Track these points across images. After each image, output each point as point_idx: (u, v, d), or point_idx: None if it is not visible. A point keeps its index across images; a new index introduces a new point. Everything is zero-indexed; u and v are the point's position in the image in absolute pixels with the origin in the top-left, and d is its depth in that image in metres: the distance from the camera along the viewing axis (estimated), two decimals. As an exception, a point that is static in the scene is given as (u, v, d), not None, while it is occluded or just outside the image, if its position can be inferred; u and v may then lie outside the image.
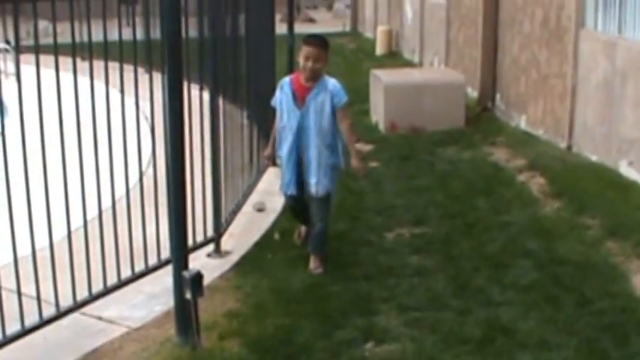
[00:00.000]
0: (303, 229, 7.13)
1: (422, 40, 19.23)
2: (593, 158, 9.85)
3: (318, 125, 6.45)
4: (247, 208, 8.02)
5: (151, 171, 6.20)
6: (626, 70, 9.13)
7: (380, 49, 22.34)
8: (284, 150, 6.61)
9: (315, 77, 6.45)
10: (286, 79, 6.70)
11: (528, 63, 12.07)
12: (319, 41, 6.49)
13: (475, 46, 14.24)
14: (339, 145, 6.61)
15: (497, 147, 11.19)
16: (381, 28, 22.95)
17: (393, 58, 21.04)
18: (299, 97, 6.49)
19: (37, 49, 4.96)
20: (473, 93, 14.08)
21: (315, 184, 6.49)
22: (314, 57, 6.35)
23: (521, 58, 12.40)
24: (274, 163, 7.17)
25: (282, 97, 6.59)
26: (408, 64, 19.59)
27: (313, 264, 6.59)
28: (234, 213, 7.59)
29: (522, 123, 12.23)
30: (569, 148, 10.55)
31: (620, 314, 5.67)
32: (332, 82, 6.53)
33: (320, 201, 6.57)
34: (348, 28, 30.83)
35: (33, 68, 4.94)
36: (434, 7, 18.09)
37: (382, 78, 12.91)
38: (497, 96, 13.50)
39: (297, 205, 6.92)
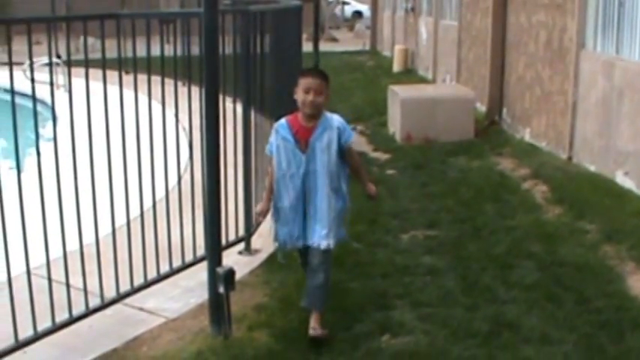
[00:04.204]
0: None
1: (435, 59, 19.17)
2: (592, 168, 9.78)
3: (326, 168, 5.21)
4: (275, 210, 7.98)
5: (188, 175, 6.18)
6: (623, 88, 9.06)
7: (397, 67, 22.31)
8: (286, 200, 5.30)
9: (317, 114, 5.20)
10: (282, 122, 5.36)
11: (533, 81, 12.01)
12: (320, 73, 5.32)
13: (484, 65, 14.18)
14: (345, 186, 5.39)
15: (504, 157, 11.13)
16: (398, 47, 22.93)
17: (409, 74, 21.00)
18: (301, 140, 5.22)
19: (87, 64, 4.97)
20: (481, 107, 14.03)
21: (326, 236, 5.21)
22: (315, 89, 5.12)
23: (526, 76, 12.34)
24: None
25: (278, 142, 5.28)
26: (423, 80, 19.56)
27: (315, 322, 5.22)
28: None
29: (527, 135, 12.16)
30: (569, 159, 10.48)
31: (616, 312, 5.61)
32: (337, 119, 5.29)
33: (326, 253, 5.27)
34: (367, 47, 30.87)
35: (82, 81, 4.95)
36: (447, 29, 18.05)
37: (399, 93, 12.87)
38: (504, 110, 13.44)
39: (305, 259, 5.50)
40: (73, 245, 5.07)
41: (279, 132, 5.30)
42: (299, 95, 5.18)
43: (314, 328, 5.17)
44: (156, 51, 5.66)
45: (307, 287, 5.35)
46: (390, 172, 10.41)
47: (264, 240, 7.17)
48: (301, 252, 5.52)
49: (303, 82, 5.17)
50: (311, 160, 5.22)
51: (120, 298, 5.51)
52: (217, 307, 5.27)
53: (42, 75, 5.37)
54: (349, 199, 5.45)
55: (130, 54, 5.36)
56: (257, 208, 5.76)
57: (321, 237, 5.23)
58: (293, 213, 5.30)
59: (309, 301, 5.30)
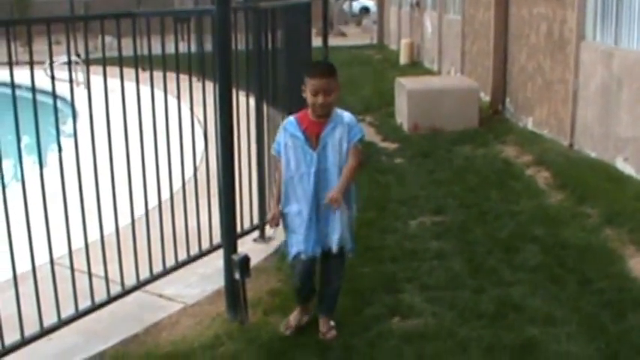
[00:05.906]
0: (292, 317, 5.18)
1: (440, 51, 19.13)
2: (593, 155, 9.73)
3: (338, 166, 4.73)
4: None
5: (204, 167, 6.18)
6: (622, 77, 9.00)
7: (403, 59, 22.26)
8: (294, 204, 4.86)
9: (328, 113, 4.74)
10: (290, 119, 4.88)
11: (534, 71, 11.95)
12: (326, 69, 4.73)
13: (487, 57, 14.13)
14: (354, 190, 5.00)
15: (507, 145, 11.09)
16: (404, 41, 22.86)
17: (415, 67, 20.96)
18: (311, 136, 4.75)
19: (104, 62, 4.97)
20: (485, 97, 13.99)
21: (338, 241, 4.83)
22: (324, 90, 4.62)
23: (528, 67, 12.28)
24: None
25: (287, 140, 4.80)
26: (428, 72, 19.51)
27: (325, 327, 5.06)
28: (277, 203, 7.55)
29: (529, 124, 12.12)
30: (571, 145, 10.44)
31: (617, 293, 5.59)
32: (347, 115, 4.80)
33: (339, 258, 4.97)
34: (375, 41, 30.81)
35: (100, 78, 4.95)
36: (451, 22, 17.99)
37: (405, 84, 12.85)
38: (507, 100, 13.39)
39: (310, 270, 4.98)
40: (94, 235, 5.08)
41: (288, 129, 4.83)
42: (308, 97, 4.72)
43: (322, 333, 5.04)
44: (170, 48, 5.64)
45: (319, 294, 5.17)
46: (398, 160, 10.40)
47: (278, 228, 7.18)
48: (310, 265, 4.97)
49: (311, 84, 4.67)
50: (322, 158, 4.75)
51: (140, 285, 5.52)
52: (233, 293, 5.27)
53: (62, 73, 5.35)
54: (356, 205, 5.09)
55: (145, 52, 5.35)
56: (268, 216, 5.26)
57: (333, 240, 4.85)
58: (301, 218, 4.84)
59: (320, 307, 5.16)
